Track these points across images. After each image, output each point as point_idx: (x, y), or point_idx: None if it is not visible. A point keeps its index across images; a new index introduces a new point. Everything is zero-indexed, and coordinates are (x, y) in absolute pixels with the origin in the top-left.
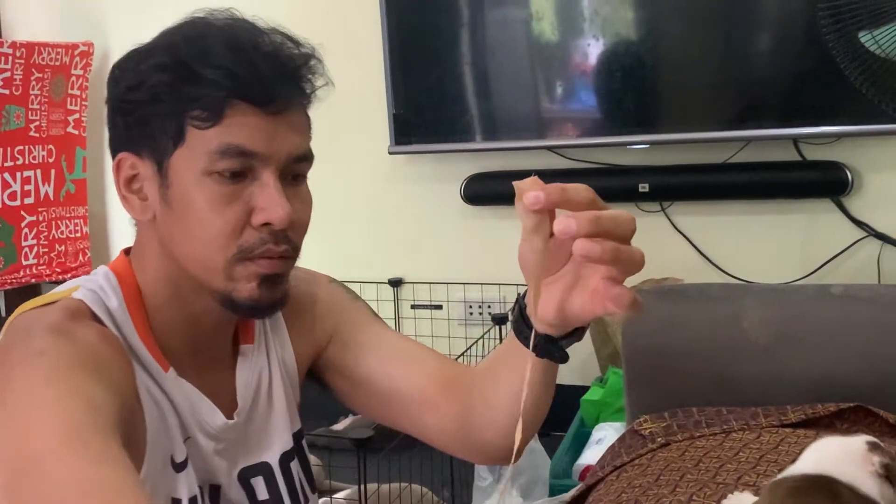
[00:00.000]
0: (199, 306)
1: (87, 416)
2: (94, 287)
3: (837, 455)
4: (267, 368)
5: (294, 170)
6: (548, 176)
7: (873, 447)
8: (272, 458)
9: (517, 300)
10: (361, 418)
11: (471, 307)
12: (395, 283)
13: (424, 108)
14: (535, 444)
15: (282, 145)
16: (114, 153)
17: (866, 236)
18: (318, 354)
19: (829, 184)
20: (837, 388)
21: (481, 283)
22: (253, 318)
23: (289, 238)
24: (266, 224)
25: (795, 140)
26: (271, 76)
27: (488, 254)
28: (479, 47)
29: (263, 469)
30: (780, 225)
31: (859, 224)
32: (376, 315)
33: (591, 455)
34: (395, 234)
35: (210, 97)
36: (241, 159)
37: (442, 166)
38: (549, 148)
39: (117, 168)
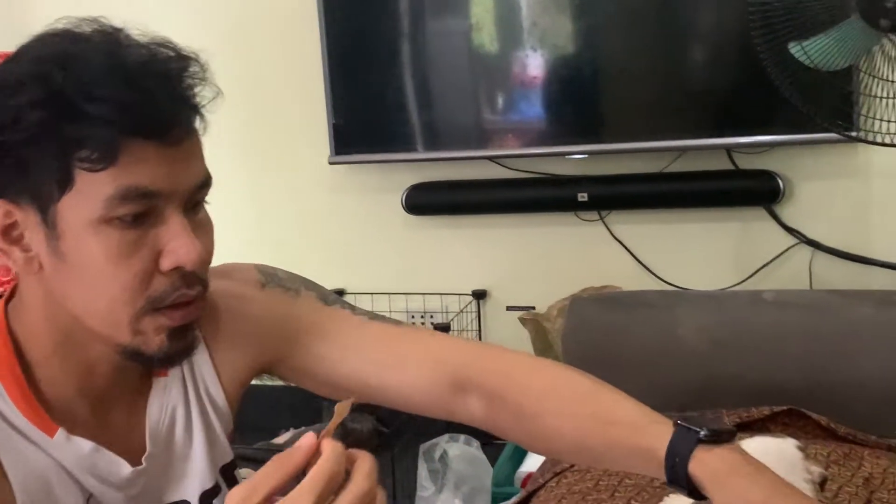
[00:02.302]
0: (94, 353)
1: None
2: None
3: (773, 460)
4: (183, 402)
5: (195, 199)
6: (489, 186)
7: (802, 454)
8: (192, 496)
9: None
10: (303, 431)
11: (413, 317)
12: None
13: (365, 118)
14: (478, 453)
15: (184, 178)
16: None
17: (798, 243)
18: (264, 369)
19: (762, 192)
20: (771, 392)
21: (423, 294)
22: (161, 369)
23: (199, 277)
24: (174, 268)
25: (729, 149)
26: (166, 104)
27: (430, 264)
28: (419, 57)
29: None
30: (714, 232)
31: (791, 231)
32: (333, 301)
33: (533, 462)
34: (336, 245)
35: (99, 136)
36: (143, 201)
37: (383, 176)
38: (490, 158)
39: None
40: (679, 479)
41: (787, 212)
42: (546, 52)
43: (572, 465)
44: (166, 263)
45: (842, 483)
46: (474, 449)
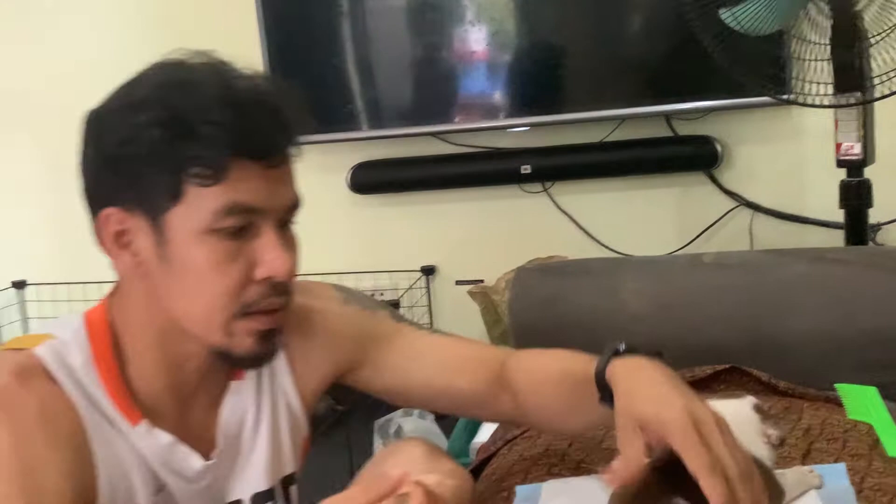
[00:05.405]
0: (186, 351)
1: None
2: (58, 344)
3: (731, 421)
4: (255, 406)
5: (286, 218)
6: (434, 162)
7: (760, 415)
8: (245, 496)
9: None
10: None
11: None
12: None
13: (306, 99)
14: (432, 426)
15: (280, 198)
16: (96, 208)
17: (738, 206)
18: (338, 377)
19: (701, 157)
20: (713, 352)
21: (373, 272)
22: (246, 370)
23: (286, 288)
24: (267, 277)
25: (667, 116)
26: (271, 130)
27: (378, 242)
28: (359, 35)
29: None
30: (656, 199)
31: (731, 194)
32: (400, 319)
33: (487, 433)
34: None
35: (212, 155)
36: (245, 216)
37: (327, 157)
38: (433, 134)
39: (104, 224)
40: (604, 392)
41: (727, 175)
42: (485, 27)
43: (523, 433)
44: (260, 273)
45: (783, 435)
46: (428, 422)
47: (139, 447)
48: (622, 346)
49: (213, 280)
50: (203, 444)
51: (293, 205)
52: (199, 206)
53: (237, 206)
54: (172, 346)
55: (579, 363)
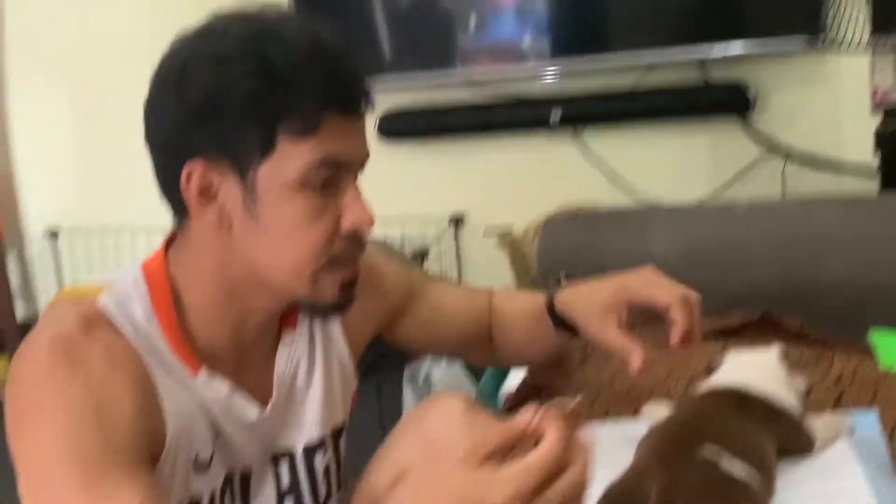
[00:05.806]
0: (253, 306)
1: (103, 463)
2: (119, 295)
3: (757, 374)
4: (307, 356)
5: (359, 170)
6: (463, 109)
7: (787, 364)
8: (297, 446)
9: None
10: None
11: (391, 244)
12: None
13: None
14: (461, 373)
15: (362, 150)
16: (176, 160)
17: (770, 152)
18: (379, 330)
19: (734, 102)
20: (745, 300)
21: (401, 220)
22: (325, 318)
23: (365, 239)
24: (352, 229)
25: (700, 62)
26: (356, 82)
27: (406, 189)
28: None
29: (289, 456)
30: (688, 144)
31: (764, 141)
32: (426, 276)
33: (516, 380)
34: None
35: (308, 108)
36: (333, 169)
37: None
38: (462, 81)
39: (188, 177)
40: (557, 321)
41: (759, 121)
42: None
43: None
44: (346, 225)
45: (814, 383)
46: (457, 370)
47: (200, 396)
48: (561, 279)
49: (304, 234)
50: (259, 393)
51: (368, 157)
52: (291, 159)
53: (328, 159)
54: (240, 301)
55: (536, 304)
